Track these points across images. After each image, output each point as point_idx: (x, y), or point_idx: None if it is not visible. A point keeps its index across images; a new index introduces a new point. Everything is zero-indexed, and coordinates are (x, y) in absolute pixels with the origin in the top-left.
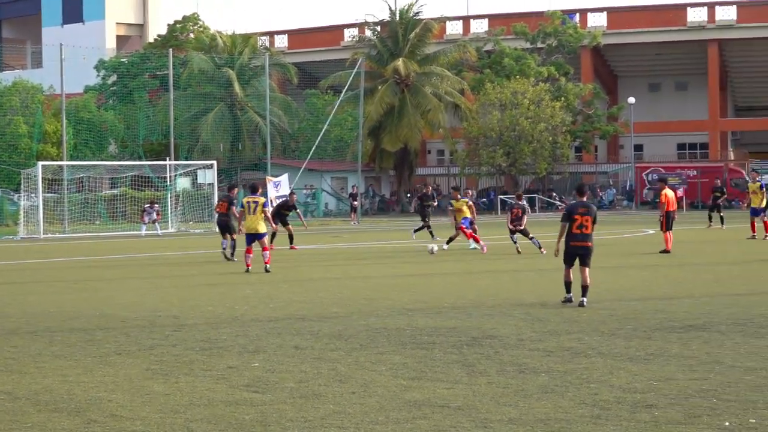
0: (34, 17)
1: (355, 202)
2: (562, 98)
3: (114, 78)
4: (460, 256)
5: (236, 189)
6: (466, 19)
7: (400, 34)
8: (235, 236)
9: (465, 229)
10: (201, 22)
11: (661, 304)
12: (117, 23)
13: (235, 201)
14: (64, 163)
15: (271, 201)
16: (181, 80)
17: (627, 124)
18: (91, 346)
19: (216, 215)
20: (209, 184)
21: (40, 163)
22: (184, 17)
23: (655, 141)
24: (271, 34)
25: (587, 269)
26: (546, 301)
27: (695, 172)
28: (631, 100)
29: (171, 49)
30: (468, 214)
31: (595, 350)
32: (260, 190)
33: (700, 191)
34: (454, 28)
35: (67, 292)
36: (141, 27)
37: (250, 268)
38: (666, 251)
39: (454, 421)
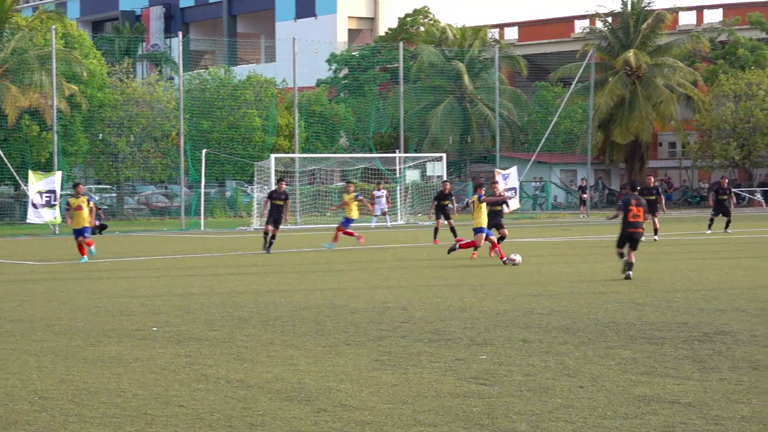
0: (268, 12)
1: (585, 195)
2: None
3: (345, 71)
4: (690, 247)
5: (283, 182)
6: (699, 9)
7: (632, 25)
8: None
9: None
10: (431, 15)
11: None
12: (349, 17)
13: (280, 195)
14: (296, 155)
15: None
16: (411, 73)
17: None
18: (321, 336)
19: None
20: (438, 176)
21: (273, 155)
22: (415, 10)
23: None
24: (500, 27)
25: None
26: None
27: None
28: None
29: (401, 42)
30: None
31: None
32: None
33: None
34: (687, 19)
35: (297, 282)
36: (372, 20)
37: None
38: None
39: (684, 417)
